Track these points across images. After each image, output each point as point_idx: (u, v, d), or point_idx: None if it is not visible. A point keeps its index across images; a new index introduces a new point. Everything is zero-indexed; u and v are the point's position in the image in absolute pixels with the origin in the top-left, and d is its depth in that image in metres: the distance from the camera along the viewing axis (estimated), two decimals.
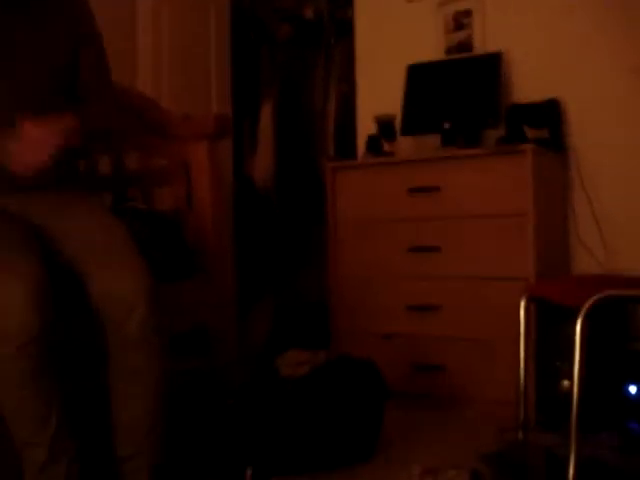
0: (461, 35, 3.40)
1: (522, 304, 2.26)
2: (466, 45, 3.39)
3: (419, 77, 3.37)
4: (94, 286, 1.73)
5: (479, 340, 2.86)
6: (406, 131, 3.31)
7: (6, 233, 1.74)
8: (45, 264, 1.68)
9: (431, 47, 3.46)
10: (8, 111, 1.90)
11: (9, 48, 1.91)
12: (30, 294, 1.57)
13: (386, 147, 3.24)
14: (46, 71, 1.95)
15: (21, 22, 1.94)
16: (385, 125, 3.24)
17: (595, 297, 1.87)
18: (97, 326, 1.73)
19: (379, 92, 3.57)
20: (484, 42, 3.34)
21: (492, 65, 3.20)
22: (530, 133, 2.93)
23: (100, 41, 2.10)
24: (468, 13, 3.39)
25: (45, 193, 1.90)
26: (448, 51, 3.43)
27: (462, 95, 3.23)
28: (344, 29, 4.14)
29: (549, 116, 3.03)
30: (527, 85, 3.21)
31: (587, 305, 1.86)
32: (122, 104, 2.32)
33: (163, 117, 2.48)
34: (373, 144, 3.24)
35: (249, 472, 2.07)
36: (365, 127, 3.50)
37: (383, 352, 2.95)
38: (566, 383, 2.34)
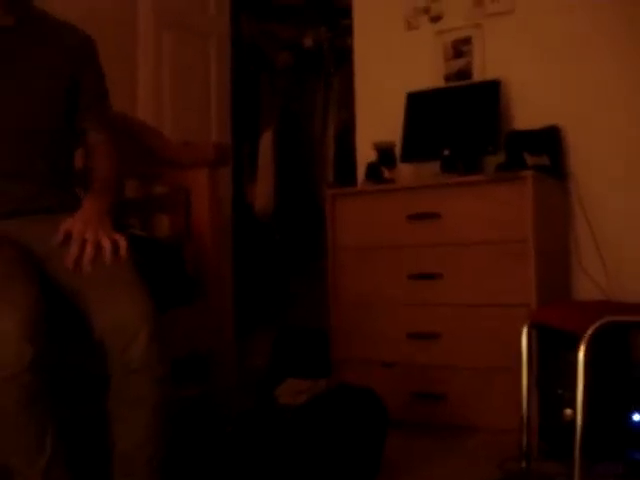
0: (460, 63, 3.42)
1: (524, 331, 2.25)
2: (465, 72, 3.40)
3: (419, 104, 3.38)
4: (96, 313, 1.72)
5: (480, 368, 2.84)
6: (406, 158, 3.32)
7: (4, 260, 1.73)
8: (43, 290, 1.67)
9: (430, 75, 3.47)
10: (8, 141, 1.91)
11: (9, 77, 1.93)
12: (23, 323, 1.56)
13: (386, 174, 3.24)
14: (46, 98, 1.96)
15: (21, 51, 1.95)
16: (385, 152, 3.24)
17: (597, 323, 1.86)
18: (98, 353, 1.72)
19: (378, 119, 3.57)
20: (483, 69, 3.35)
21: (491, 92, 3.22)
22: (530, 160, 2.92)
23: (100, 66, 2.11)
24: (467, 41, 3.40)
25: (46, 218, 1.90)
26: (447, 78, 3.44)
27: (462, 122, 3.24)
28: (343, 57, 4.17)
29: (549, 143, 3.04)
30: (527, 112, 3.22)
31: (589, 331, 1.85)
32: (123, 131, 2.33)
33: (163, 144, 2.49)
34: (373, 171, 3.23)
35: None
36: (364, 154, 3.50)
37: (384, 380, 2.92)
38: (569, 411, 2.32)
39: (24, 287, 1.65)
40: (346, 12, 4.05)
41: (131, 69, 3.75)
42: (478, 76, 3.35)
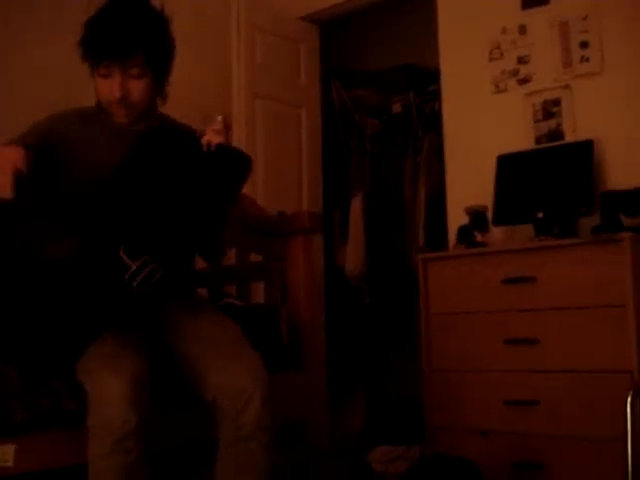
0: (550, 124, 3.40)
1: (628, 400, 2.18)
2: (556, 134, 3.37)
3: (510, 167, 3.36)
4: (212, 378, 1.80)
5: (581, 437, 2.74)
6: (498, 221, 3.29)
7: (117, 332, 1.80)
8: (155, 362, 1.74)
9: (520, 137, 3.45)
10: None
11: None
12: (127, 390, 1.63)
13: (478, 238, 3.22)
14: None
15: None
16: (477, 216, 3.23)
17: None
18: (206, 418, 1.78)
19: (469, 183, 3.57)
20: (574, 130, 3.32)
21: (584, 153, 3.17)
22: (626, 221, 2.86)
23: None
24: (557, 102, 3.39)
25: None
26: (538, 140, 3.42)
27: (554, 184, 3.20)
28: (432, 121, 4.21)
29: None
30: (621, 172, 3.16)
31: None
32: None
33: (259, 214, 2.55)
34: (465, 235, 3.22)
35: None
36: (455, 218, 3.50)
37: (480, 449, 2.86)
38: None
39: (131, 355, 1.73)
40: (433, 77, 4.11)
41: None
42: (569, 137, 3.32)
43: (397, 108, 4.50)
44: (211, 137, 1.89)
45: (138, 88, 1.95)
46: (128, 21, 1.92)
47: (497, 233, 3.36)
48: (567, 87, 3.36)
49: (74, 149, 1.97)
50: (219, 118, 1.94)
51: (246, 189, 3.53)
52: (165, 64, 2.02)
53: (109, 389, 1.63)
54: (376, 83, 4.69)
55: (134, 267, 1.72)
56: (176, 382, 1.89)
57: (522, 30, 3.50)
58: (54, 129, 2.00)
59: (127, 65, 1.90)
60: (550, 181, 3.23)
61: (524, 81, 3.50)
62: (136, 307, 1.78)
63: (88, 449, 1.65)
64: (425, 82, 4.39)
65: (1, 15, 2.93)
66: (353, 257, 4.35)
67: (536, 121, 3.44)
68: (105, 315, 1.74)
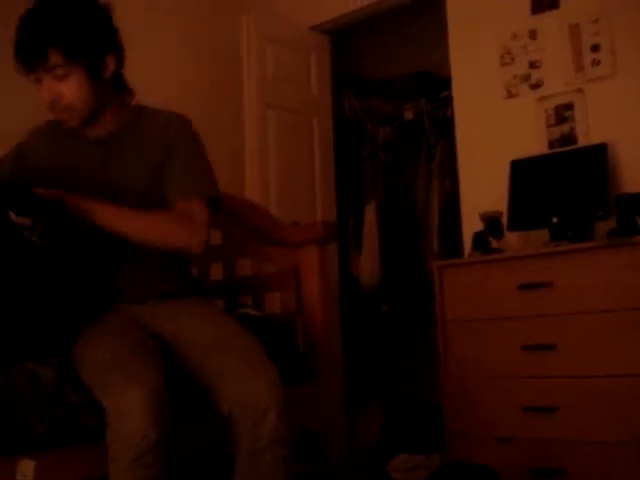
0: (563, 128, 3.38)
1: None
2: (569, 138, 3.36)
3: (523, 172, 3.35)
4: (227, 388, 1.77)
5: (601, 442, 2.71)
6: (513, 227, 3.28)
7: (131, 341, 1.80)
8: (169, 372, 1.73)
9: (533, 142, 3.44)
10: None
11: (111, 177, 1.99)
12: (147, 403, 1.60)
13: (493, 244, 3.20)
14: (152, 196, 1.99)
15: (121, 154, 2.01)
16: (491, 222, 3.21)
17: None
18: (223, 430, 1.76)
19: (483, 188, 3.55)
20: (587, 134, 3.30)
21: (598, 156, 3.16)
22: None
23: (192, 144, 2.06)
24: (569, 106, 3.37)
25: (173, 302, 1.99)
26: (551, 145, 3.40)
27: (569, 188, 3.19)
28: (444, 128, 4.20)
29: None
30: (636, 175, 3.15)
31: None
32: (234, 213, 2.39)
33: (273, 225, 2.55)
34: (480, 241, 3.21)
35: None
36: (470, 224, 3.48)
37: (499, 456, 2.84)
38: None
39: (149, 367, 1.70)
40: (445, 84, 4.11)
41: (238, 152, 3.89)
42: (582, 141, 3.31)
43: (409, 115, 4.50)
44: None
45: (69, 88, 1.87)
46: (34, 22, 1.85)
47: (512, 239, 3.34)
48: (579, 91, 3.34)
49: (47, 162, 2.00)
50: None
51: (260, 199, 3.58)
52: (97, 56, 1.91)
53: (128, 402, 1.60)
54: (387, 91, 4.69)
55: (29, 223, 1.66)
56: (190, 390, 1.87)
57: (532, 35, 3.50)
58: (31, 145, 2.06)
59: (49, 67, 1.84)
60: (564, 185, 3.21)
61: (536, 86, 3.49)
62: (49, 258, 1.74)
63: (108, 464, 1.63)
64: (436, 89, 4.39)
65: (1, 15, 2.94)
66: (368, 266, 4.34)
67: (549, 126, 3.43)
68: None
